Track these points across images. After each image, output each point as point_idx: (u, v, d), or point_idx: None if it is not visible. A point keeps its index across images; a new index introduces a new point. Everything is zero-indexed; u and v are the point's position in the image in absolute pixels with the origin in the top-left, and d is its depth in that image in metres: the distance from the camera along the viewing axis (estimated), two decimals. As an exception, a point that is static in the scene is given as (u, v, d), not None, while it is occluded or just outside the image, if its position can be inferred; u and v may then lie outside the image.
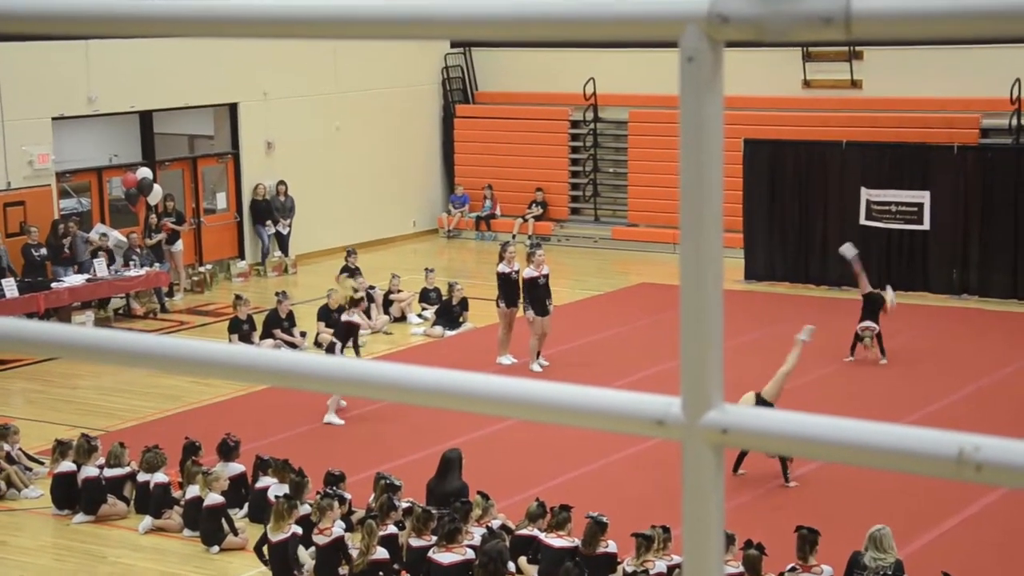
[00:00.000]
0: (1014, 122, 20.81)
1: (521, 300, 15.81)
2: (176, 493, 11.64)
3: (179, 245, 20.88)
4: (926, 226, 19.70)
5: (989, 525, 10.93)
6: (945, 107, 21.60)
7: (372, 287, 18.94)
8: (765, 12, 1.30)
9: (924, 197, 19.70)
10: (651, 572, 9.44)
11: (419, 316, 18.97)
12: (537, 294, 15.54)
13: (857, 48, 22.53)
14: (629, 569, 9.49)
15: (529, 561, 10.13)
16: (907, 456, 1.32)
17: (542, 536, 10.14)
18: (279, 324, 17.52)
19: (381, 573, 9.64)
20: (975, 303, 19.14)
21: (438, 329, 18.28)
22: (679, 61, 1.36)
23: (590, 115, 25.10)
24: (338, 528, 9.97)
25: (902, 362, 15.80)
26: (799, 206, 20.82)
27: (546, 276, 15.67)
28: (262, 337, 17.37)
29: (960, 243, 19.59)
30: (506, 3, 1.42)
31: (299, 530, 10.08)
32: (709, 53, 1.34)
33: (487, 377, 1.59)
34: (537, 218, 25.34)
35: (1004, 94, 20.74)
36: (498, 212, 25.73)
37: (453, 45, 25.98)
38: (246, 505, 11.57)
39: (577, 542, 9.95)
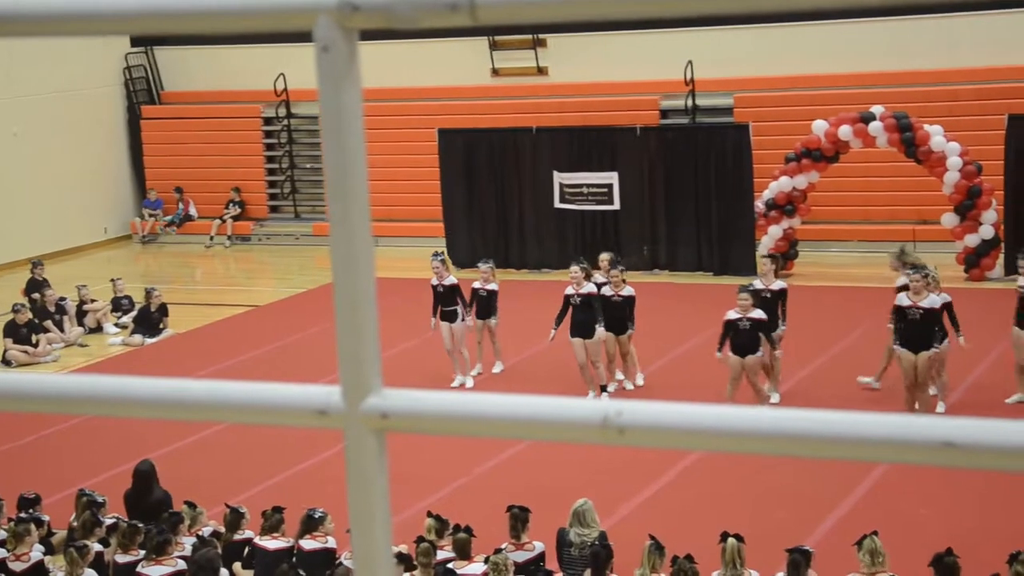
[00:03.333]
0: (689, 103, 21.87)
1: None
2: None
3: None
4: (616, 206, 20.44)
5: (686, 488, 11.48)
6: (626, 90, 22.49)
7: (63, 299, 18.18)
8: (393, 0, 1.32)
9: (613, 178, 20.43)
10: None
11: (116, 326, 18.32)
12: (614, 313, 13.90)
13: (540, 36, 23.16)
14: (348, 562, 9.47)
15: (244, 566, 9.97)
16: (557, 425, 1.38)
17: (256, 539, 9.99)
18: (-38, 343, 16.58)
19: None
20: (666, 277, 20.01)
21: (137, 337, 17.71)
22: (315, 52, 1.37)
23: (283, 111, 24.83)
24: (36, 552, 9.53)
25: (600, 338, 16.35)
26: (496, 192, 21.24)
27: (628, 298, 14.04)
28: (-55, 358, 16.39)
29: (648, 220, 20.43)
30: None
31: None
32: (343, 42, 1.35)
33: (152, 381, 1.56)
34: (235, 218, 24.90)
35: (679, 76, 21.76)
36: (193, 214, 25.14)
37: (134, 43, 25.18)
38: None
39: (292, 542, 9.86)
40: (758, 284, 13.65)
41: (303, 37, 1.35)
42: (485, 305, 14.83)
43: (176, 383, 1.53)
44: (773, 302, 13.43)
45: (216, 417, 1.53)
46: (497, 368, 15.01)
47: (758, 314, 13.05)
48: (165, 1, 1.41)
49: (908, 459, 1.17)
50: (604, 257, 14.63)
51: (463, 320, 14.69)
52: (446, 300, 14.70)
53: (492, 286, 14.89)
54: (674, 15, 1.27)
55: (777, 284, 13.61)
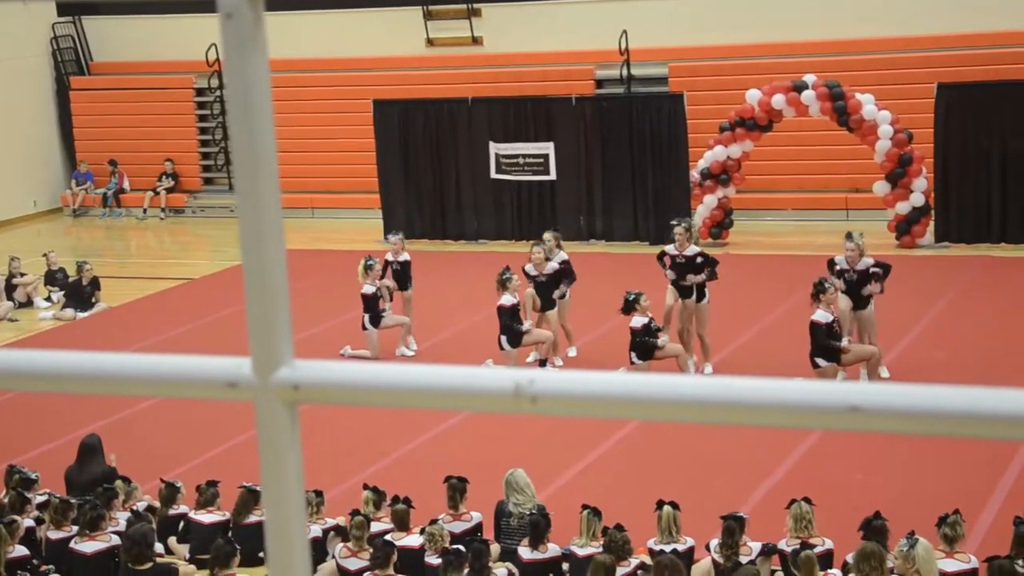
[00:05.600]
0: (624, 72, 21.89)
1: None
2: None
3: None
4: (552, 176, 20.44)
5: (623, 457, 11.55)
6: (562, 60, 22.46)
7: (-8, 273, 17.93)
8: (298, -34, 1.30)
9: (549, 148, 20.42)
10: (308, 536, 9.42)
11: (47, 300, 18.08)
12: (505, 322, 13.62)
13: (475, 5, 23.06)
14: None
15: (179, 540, 9.92)
16: (470, 395, 1.37)
17: (192, 514, 9.94)
18: None
19: (19, 571, 9.17)
20: (602, 247, 20.06)
21: (69, 312, 17.49)
22: (219, 19, 1.34)
23: (215, 82, 24.55)
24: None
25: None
26: (432, 163, 21.16)
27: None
28: None
29: (584, 190, 20.46)
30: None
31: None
32: (248, 9, 1.33)
33: (60, 355, 1.54)
34: (169, 190, 24.65)
35: (614, 45, 21.76)
36: (126, 186, 24.85)
37: (61, 13, 24.76)
38: None
39: (228, 515, 9.81)
40: (671, 250, 13.53)
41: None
42: (400, 277, 15.05)
43: (84, 357, 1.50)
44: (687, 268, 13.42)
45: (126, 391, 1.51)
46: (412, 349, 14.90)
47: (693, 250, 13.38)
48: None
49: (815, 424, 1.17)
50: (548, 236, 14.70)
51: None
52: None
53: (404, 257, 15.15)
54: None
55: (691, 250, 13.47)
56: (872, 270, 12.91)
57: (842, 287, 12.90)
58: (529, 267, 14.23)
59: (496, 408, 1.36)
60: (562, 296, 14.32)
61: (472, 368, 1.37)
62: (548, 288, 14.18)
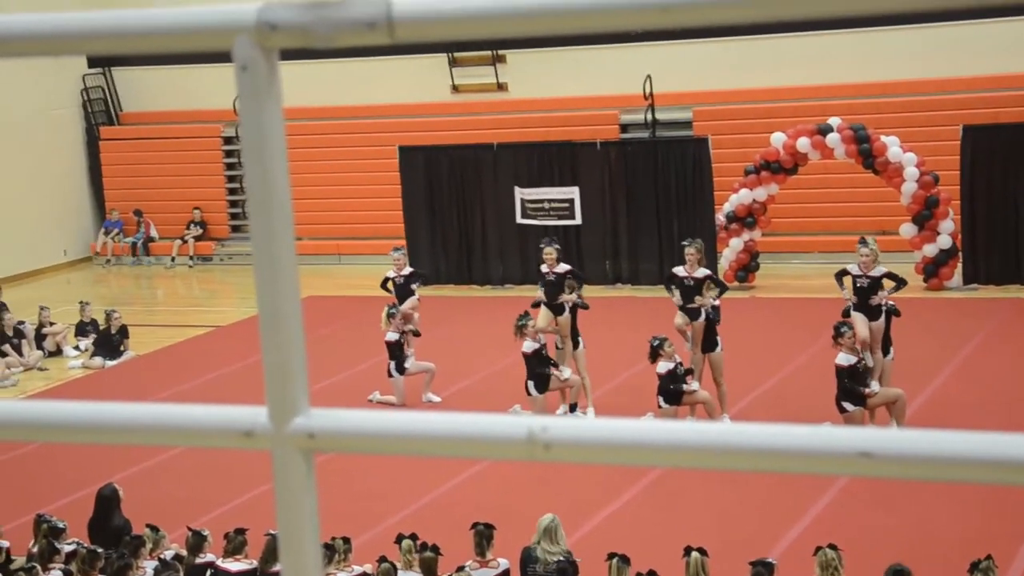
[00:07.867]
0: (649, 116, 21.96)
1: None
2: None
3: None
4: (578, 220, 20.47)
5: (650, 503, 11.49)
6: (586, 105, 22.55)
7: (22, 322, 18.03)
8: (311, 19, 1.32)
9: (574, 193, 20.47)
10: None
11: (76, 348, 18.18)
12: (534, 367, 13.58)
13: (500, 51, 23.21)
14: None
15: (207, 589, 9.90)
16: (483, 442, 1.37)
17: (219, 562, 9.92)
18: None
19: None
20: (628, 291, 20.05)
21: (97, 360, 17.58)
22: (234, 71, 1.36)
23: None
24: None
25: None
26: (458, 209, 21.24)
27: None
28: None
29: (610, 234, 20.48)
30: (46, 18, 1.38)
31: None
32: (262, 61, 1.35)
33: (74, 405, 1.55)
34: (197, 238, 24.80)
35: (638, 90, 21.84)
36: (154, 235, 25.03)
37: (91, 64, 25.06)
38: None
39: (255, 564, 9.79)
40: (680, 271, 13.56)
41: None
42: (403, 290, 15.35)
43: (101, 407, 1.51)
44: (696, 290, 13.41)
45: (144, 441, 1.52)
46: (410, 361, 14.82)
47: (703, 273, 13.43)
48: (88, 24, 1.40)
49: (826, 470, 1.17)
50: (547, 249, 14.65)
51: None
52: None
53: (407, 271, 15.59)
54: (564, 32, 1.27)
55: (701, 272, 13.51)
56: (884, 293, 12.76)
57: (853, 299, 12.85)
58: (543, 267, 14.31)
59: (509, 455, 1.37)
60: (576, 305, 14.15)
61: (485, 415, 1.37)
62: (558, 288, 14.14)
